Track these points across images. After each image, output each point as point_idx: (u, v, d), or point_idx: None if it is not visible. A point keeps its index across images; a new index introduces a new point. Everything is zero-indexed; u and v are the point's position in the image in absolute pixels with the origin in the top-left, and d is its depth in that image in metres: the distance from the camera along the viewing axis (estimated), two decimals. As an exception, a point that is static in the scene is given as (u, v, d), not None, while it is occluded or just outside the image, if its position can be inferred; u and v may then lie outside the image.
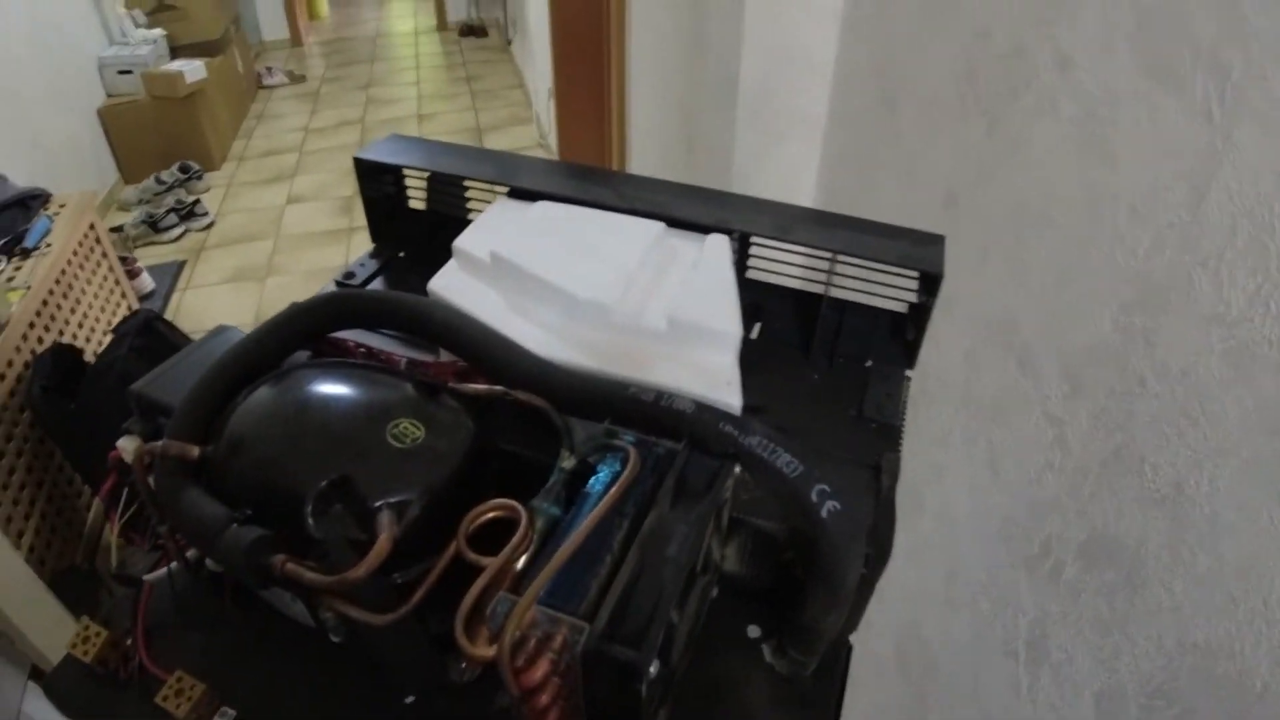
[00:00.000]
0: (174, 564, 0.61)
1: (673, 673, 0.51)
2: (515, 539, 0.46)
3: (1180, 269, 0.63)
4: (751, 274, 0.75)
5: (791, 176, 1.23)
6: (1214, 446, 0.61)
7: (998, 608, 0.91)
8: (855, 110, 1.12)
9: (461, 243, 0.67)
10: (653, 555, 0.44)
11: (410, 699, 0.56)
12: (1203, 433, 0.62)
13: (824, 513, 0.46)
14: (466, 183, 0.79)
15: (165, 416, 0.57)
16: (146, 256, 3.55)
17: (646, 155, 2.15)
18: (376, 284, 0.82)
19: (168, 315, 3.21)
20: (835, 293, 0.72)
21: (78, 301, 2.42)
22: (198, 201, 3.84)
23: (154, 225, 3.68)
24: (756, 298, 0.75)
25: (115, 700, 0.59)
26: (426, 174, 0.80)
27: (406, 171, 0.83)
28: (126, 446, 0.59)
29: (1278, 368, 0.56)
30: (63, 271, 2.34)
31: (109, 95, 4.24)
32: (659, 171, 1.90)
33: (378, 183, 0.84)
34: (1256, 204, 0.56)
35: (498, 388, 0.54)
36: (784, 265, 0.73)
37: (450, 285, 0.65)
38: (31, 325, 2.14)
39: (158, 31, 4.46)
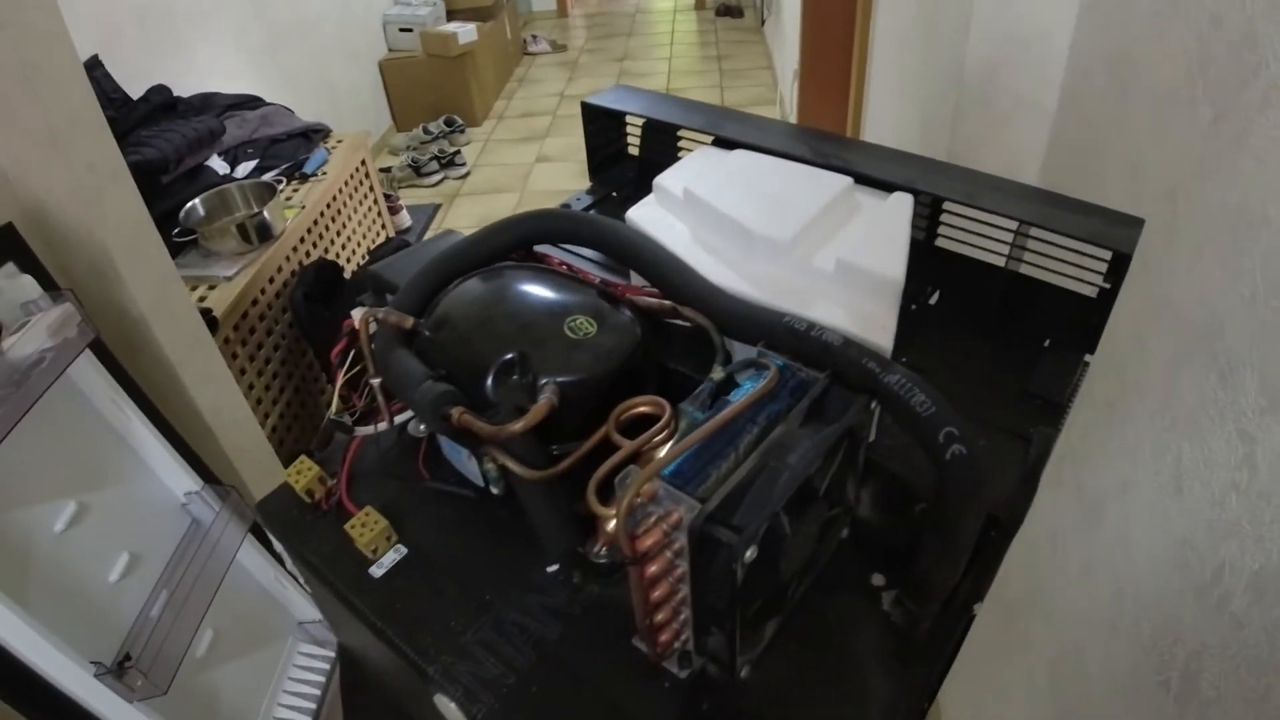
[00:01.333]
0: (382, 424, 0.71)
1: (781, 586, 0.54)
2: (657, 427, 0.51)
3: None
4: (941, 242, 0.76)
5: (1013, 163, 1.19)
6: None
7: (1159, 635, 0.86)
8: (1086, 98, 1.07)
9: (661, 179, 0.73)
10: (773, 461, 0.48)
11: (553, 568, 0.63)
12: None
13: (948, 455, 0.48)
14: (678, 131, 0.85)
15: (392, 294, 0.67)
16: (408, 196, 3.91)
17: (881, 138, 2.12)
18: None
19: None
20: (1021, 268, 0.72)
21: (344, 225, 2.72)
22: (458, 152, 4.18)
23: (417, 170, 4.05)
24: (940, 265, 0.76)
25: (313, 524, 0.70)
26: (643, 120, 0.86)
27: (627, 118, 0.90)
28: (357, 315, 0.69)
29: None
30: (334, 197, 2.64)
31: (390, 50, 4.68)
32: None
33: (600, 127, 0.91)
34: None
35: (668, 303, 0.60)
36: (973, 236, 0.73)
37: (645, 215, 0.71)
38: (301, 240, 2.43)
39: (440, -6, 4.86)
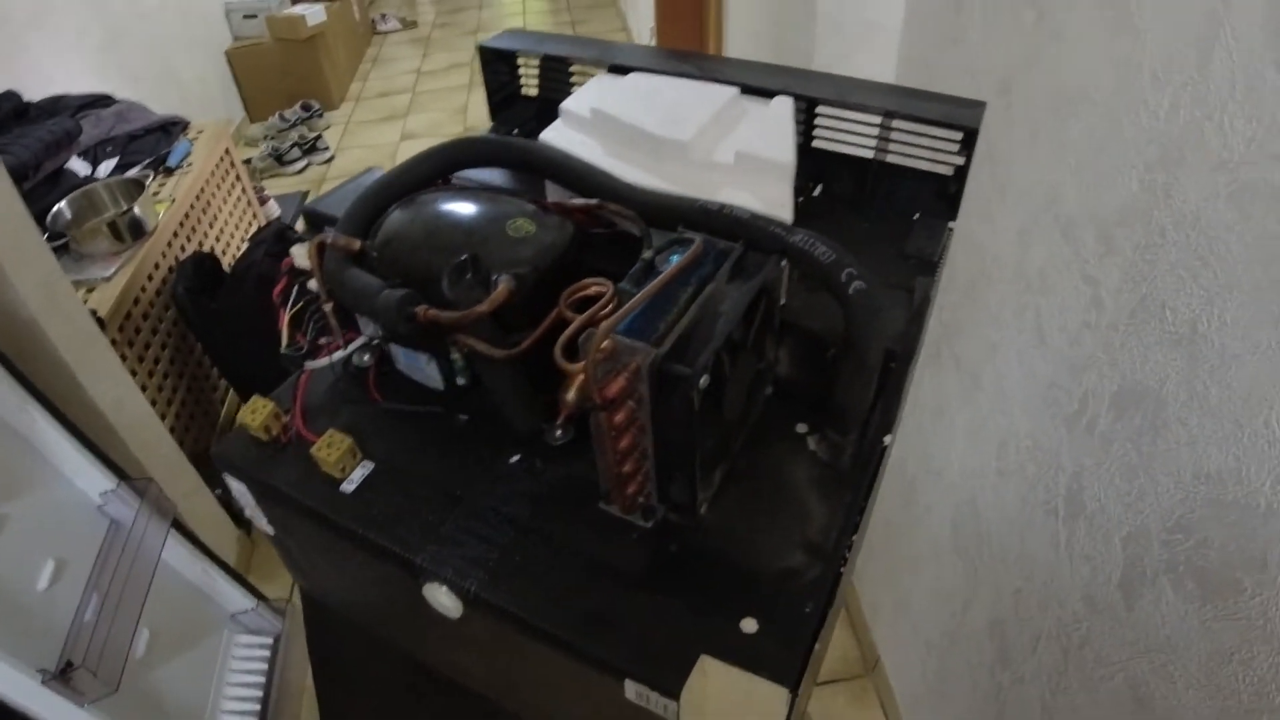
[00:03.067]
0: (337, 352, 0.76)
1: (725, 421, 0.63)
2: (605, 299, 0.58)
3: (1193, 124, 0.70)
4: (816, 143, 0.86)
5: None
6: (1222, 283, 0.69)
7: (1042, 469, 1.00)
8: (925, 16, 1.19)
9: (567, 104, 0.79)
10: (709, 311, 0.56)
11: (515, 458, 0.70)
12: (1213, 272, 0.70)
13: (850, 290, 0.57)
14: (572, 66, 0.92)
15: (330, 226, 0.72)
16: (272, 187, 3.81)
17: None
18: (492, 153, 0.95)
19: (291, 240, 3.46)
20: (888, 157, 0.82)
21: (215, 216, 2.66)
22: (319, 137, 4.10)
23: (279, 159, 3.95)
24: (819, 164, 0.85)
25: (274, 458, 0.74)
26: (539, 57, 0.92)
27: (521, 59, 0.96)
28: (298, 252, 0.73)
29: (1271, 204, 0.63)
30: (202, 189, 2.58)
31: (235, 38, 4.52)
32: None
33: (497, 69, 0.97)
34: (1250, 57, 0.63)
35: (593, 200, 0.67)
36: (843, 135, 0.83)
37: (557, 138, 0.77)
38: (175, 234, 2.38)
39: (282, -23, 4.71)
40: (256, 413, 0.75)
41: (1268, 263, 0.64)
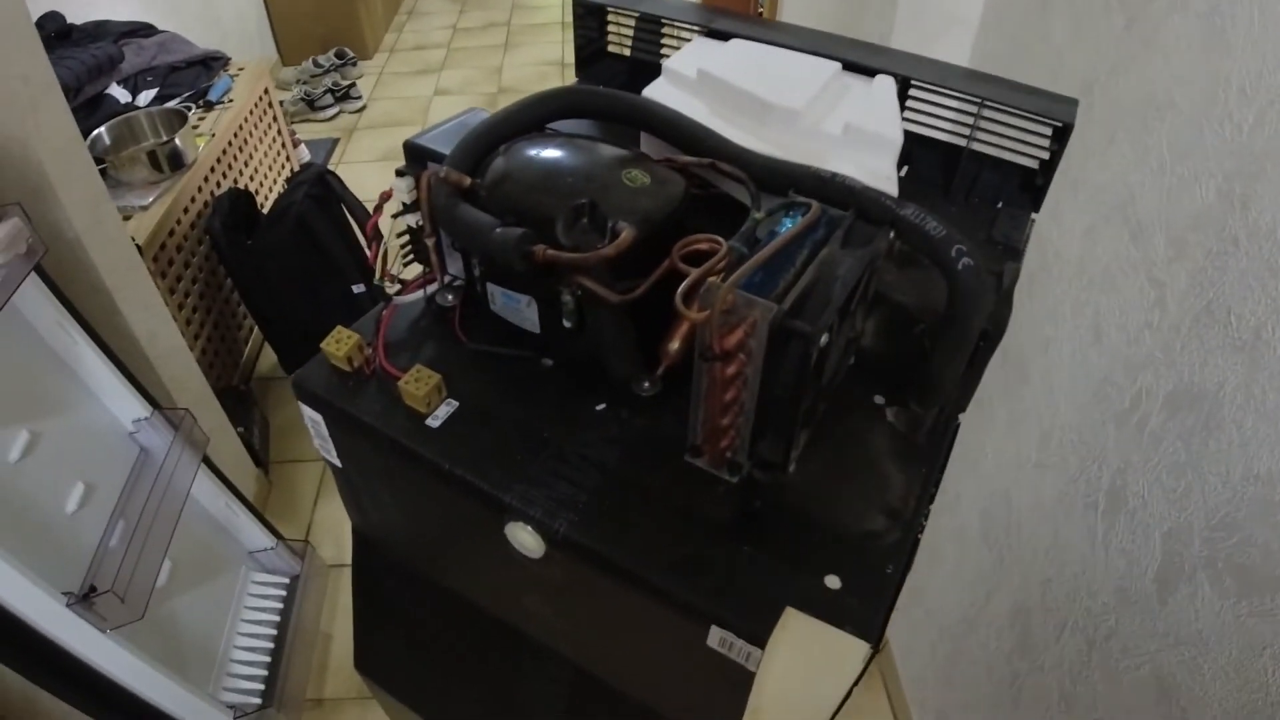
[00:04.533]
0: (433, 285, 0.77)
1: (818, 393, 0.65)
2: (720, 254, 0.60)
3: (1276, 140, 0.72)
4: (905, 125, 0.87)
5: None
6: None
7: (1084, 464, 1.02)
8: (1009, 12, 1.20)
9: (671, 63, 0.80)
10: (825, 273, 0.58)
11: (601, 406, 0.71)
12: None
13: (959, 265, 0.59)
14: (665, 26, 0.92)
15: (433, 161, 0.73)
16: (303, 132, 3.80)
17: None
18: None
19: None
20: (976, 145, 0.83)
21: (252, 155, 2.67)
22: (353, 85, 4.08)
23: (311, 104, 3.94)
24: (907, 145, 0.87)
25: (357, 388, 0.75)
26: (636, 15, 0.93)
27: (612, 16, 0.97)
28: (400, 184, 0.74)
29: None
30: (241, 125, 2.59)
31: (276, -22, 4.49)
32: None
33: (587, 24, 0.98)
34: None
35: (706, 159, 0.68)
36: (934, 119, 0.85)
37: (662, 95, 0.78)
38: (213, 169, 2.39)
39: (324, -79, 4.67)
40: (341, 343, 0.75)
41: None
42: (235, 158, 2.55)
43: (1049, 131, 0.79)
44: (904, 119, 0.86)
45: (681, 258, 0.62)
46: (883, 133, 0.69)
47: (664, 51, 0.95)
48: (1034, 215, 0.81)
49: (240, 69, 2.78)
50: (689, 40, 0.88)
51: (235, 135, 2.54)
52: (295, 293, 2.26)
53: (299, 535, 2.21)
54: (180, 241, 2.18)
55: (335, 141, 3.78)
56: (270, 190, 2.81)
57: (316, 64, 4.19)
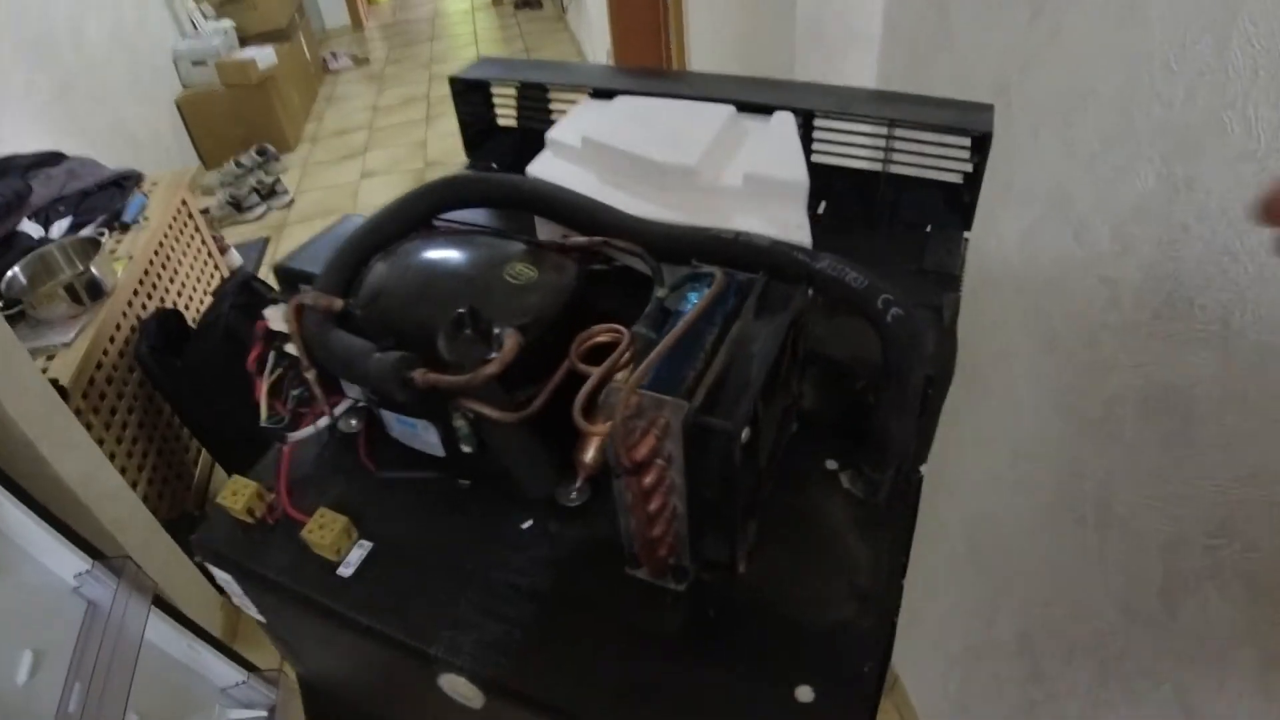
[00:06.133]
0: (323, 419, 0.70)
1: (759, 470, 0.58)
2: (621, 348, 0.53)
3: (1212, 114, 0.67)
4: (816, 157, 0.81)
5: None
6: (1254, 275, 0.65)
7: (1063, 478, 0.96)
8: (908, 21, 1.16)
9: (553, 133, 0.75)
10: (740, 352, 0.51)
11: (528, 524, 0.64)
12: (1243, 265, 0.66)
13: (889, 317, 0.52)
14: (551, 92, 0.87)
15: (306, 284, 0.66)
16: (232, 235, 3.72)
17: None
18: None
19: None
20: (894, 168, 0.78)
21: (176, 270, 2.58)
22: (277, 181, 4.02)
23: (237, 206, 3.87)
24: (821, 180, 0.81)
25: (262, 542, 0.67)
26: (516, 85, 0.87)
27: (495, 90, 0.91)
28: (273, 314, 0.67)
29: None
30: (160, 243, 2.51)
31: (185, 86, 4.44)
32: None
33: (470, 101, 0.92)
34: (1272, 42, 0.60)
35: (598, 237, 0.62)
36: (846, 147, 0.79)
37: (546, 170, 0.73)
38: (135, 292, 2.30)
39: (227, 22, 4.65)
40: (238, 494, 0.68)
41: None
42: (159, 276, 2.46)
43: (967, 143, 0.74)
44: (814, 151, 0.81)
45: (581, 354, 0.55)
46: (785, 177, 0.63)
47: (553, 117, 0.89)
48: (966, 234, 0.75)
49: (154, 184, 2.71)
50: (577, 103, 0.82)
51: (156, 254, 2.46)
52: (234, 407, 2.16)
53: (274, 662, 2.09)
54: (110, 373, 2.09)
55: (266, 241, 3.71)
56: (200, 304, 2.73)
57: (239, 164, 4.13)
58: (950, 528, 1.31)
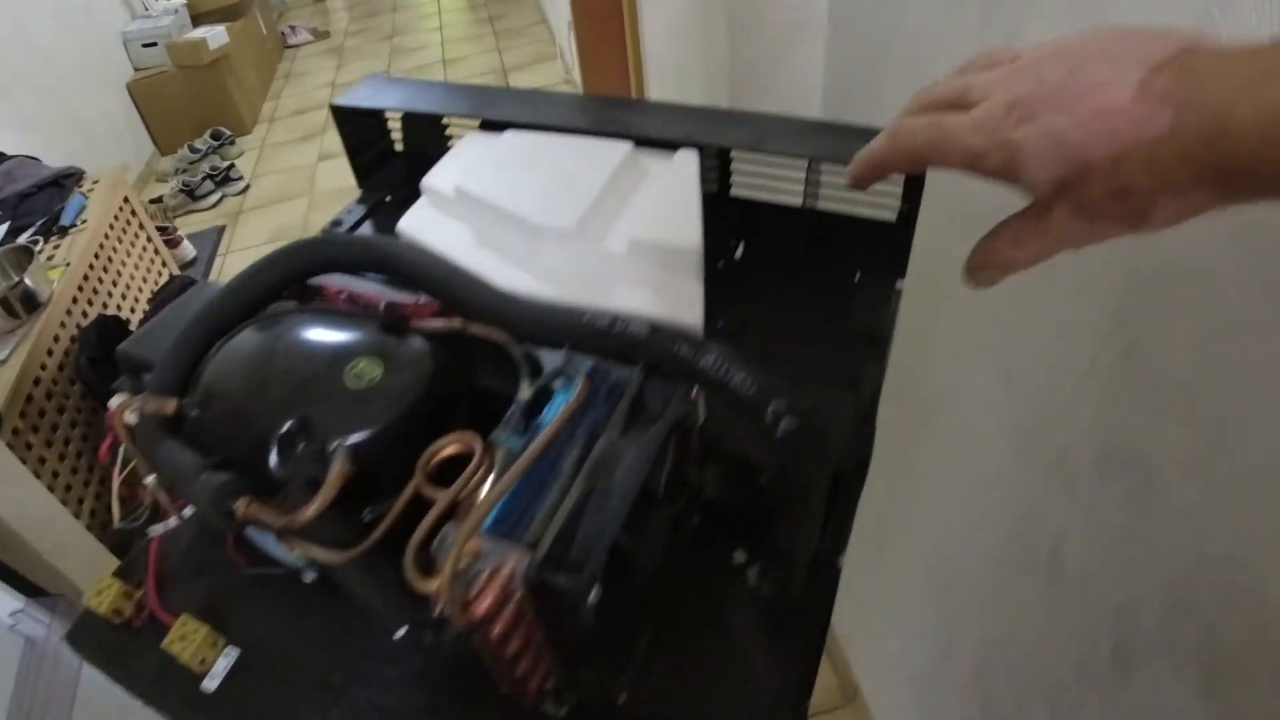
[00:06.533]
0: (177, 517, 0.62)
1: (640, 600, 0.51)
2: (468, 471, 0.46)
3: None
4: (736, 190, 0.73)
5: (799, 89, 1.19)
6: (1223, 339, 0.58)
7: (1018, 523, 0.89)
8: (858, 12, 1.07)
9: (429, 180, 0.66)
10: (600, 482, 0.43)
11: (400, 633, 0.57)
12: (1209, 327, 0.58)
13: (779, 432, 0.45)
14: (443, 119, 0.78)
15: (149, 373, 0.58)
16: (187, 225, 3.61)
17: (666, 83, 2.09)
18: (364, 229, 0.81)
19: (212, 280, 3.28)
20: (819, 204, 0.70)
21: (118, 274, 2.48)
22: (231, 166, 3.89)
23: (191, 194, 3.74)
24: (741, 216, 0.73)
25: (130, 645, 0.60)
26: (400, 115, 0.79)
27: (388, 112, 0.82)
28: (114, 406, 0.59)
29: None
30: (100, 246, 2.40)
31: (136, 69, 4.29)
32: (676, 97, 1.85)
33: (357, 128, 0.83)
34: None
35: (455, 322, 0.54)
36: (767, 180, 0.71)
37: (418, 222, 0.64)
38: (74, 300, 2.20)
39: (178, 1, 4.47)
40: (103, 595, 0.61)
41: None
42: (99, 281, 2.36)
43: (900, 178, 0.66)
44: (733, 184, 0.72)
45: (429, 471, 0.47)
46: (677, 244, 0.55)
47: (451, 142, 0.81)
48: (899, 284, 0.67)
49: (95, 182, 2.59)
50: (465, 136, 0.74)
51: (95, 258, 2.35)
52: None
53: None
54: (50, 388, 1.99)
55: (221, 230, 3.58)
56: (146, 308, 2.62)
57: (193, 149, 4.00)
58: (905, 551, 1.25)
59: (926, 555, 1.17)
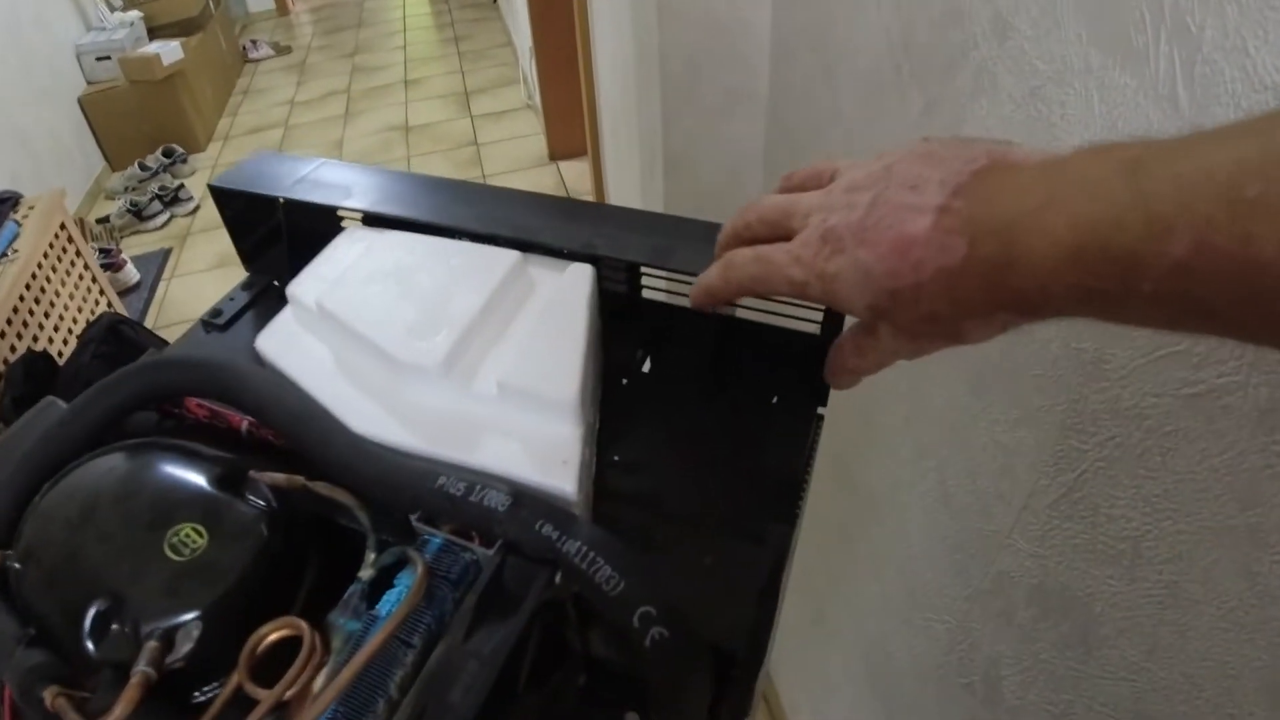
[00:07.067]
0: None
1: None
2: (296, 665, 0.39)
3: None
4: (647, 293, 0.67)
5: (736, 157, 1.13)
6: (1177, 506, 0.52)
7: (955, 637, 0.83)
8: (795, 85, 1.02)
9: (294, 287, 0.59)
10: (432, 703, 0.37)
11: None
12: (1164, 489, 0.53)
13: (647, 641, 0.39)
14: (329, 211, 0.71)
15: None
16: (133, 246, 3.50)
17: (614, 117, 2.04)
18: (245, 320, 0.74)
19: (154, 306, 3.17)
20: (738, 311, 0.64)
21: (51, 305, 2.38)
22: (181, 186, 3.78)
23: (139, 214, 3.62)
24: (652, 322, 0.67)
25: None
26: (280, 201, 0.72)
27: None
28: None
29: (1254, 421, 0.46)
30: (33, 276, 2.30)
31: (89, 83, 4.17)
32: (623, 139, 1.78)
33: (240, 210, 0.76)
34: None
35: (297, 478, 0.47)
36: (684, 284, 0.64)
37: (279, 341, 0.57)
38: (3, 334, 2.10)
39: (134, 14, 4.37)
40: None
41: (1244, 494, 0.48)
42: (30, 314, 2.26)
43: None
44: (645, 286, 0.66)
45: (252, 663, 0.41)
46: (551, 392, 0.49)
47: (346, 223, 0.74)
48: (821, 410, 0.61)
49: (31, 207, 2.48)
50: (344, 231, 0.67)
51: (26, 289, 2.25)
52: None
53: None
54: (-34, 427, 1.89)
55: (167, 253, 3.47)
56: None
57: (143, 167, 3.88)
58: (844, 639, 1.19)
59: (866, 648, 1.12)
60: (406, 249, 0.60)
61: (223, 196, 0.73)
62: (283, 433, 0.50)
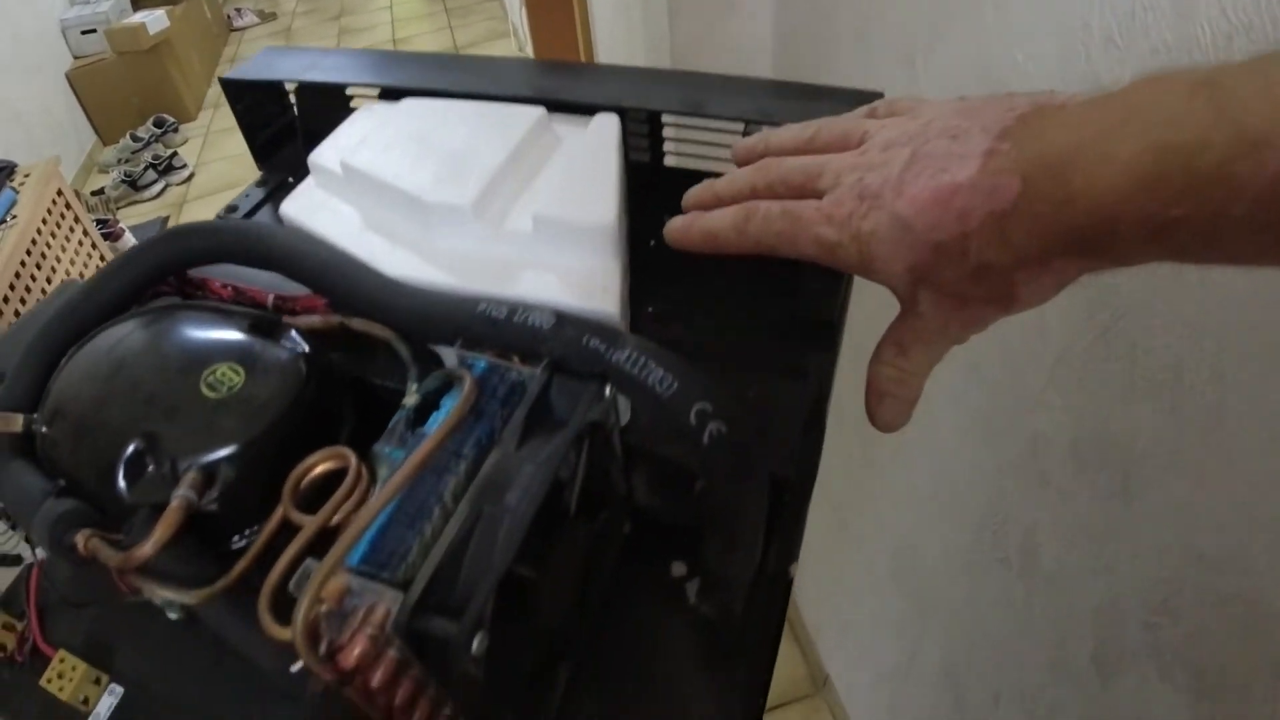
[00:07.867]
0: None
1: (554, 634, 0.44)
2: (340, 492, 0.39)
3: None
4: (671, 159, 0.66)
5: (743, 57, 1.11)
6: (1217, 320, 0.51)
7: (986, 514, 0.83)
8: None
9: (317, 156, 0.58)
10: (488, 505, 0.36)
11: (297, 666, 0.50)
12: (1204, 308, 0.52)
13: (705, 437, 0.38)
14: (346, 91, 0.70)
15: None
16: (131, 216, 3.47)
17: (614, 54, 2.01)
18: (262, 214, 0.74)
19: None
20: (763, 177, 0.63)
21: (52, 270, 2.37)
22: (175, 154, 3.75)
23: (134, 184, 3.60)
24: (675, 187, 0.66)
25: (12, 682, 0.52)
26: (294, 86, 0.71)
27: (287, 86, 0.74)
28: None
29: None
30: (32, 242, 2.28)
31: (76, 57, 4.12)
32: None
33: (252, 104, 0.75)
34: (1252, 13, 0.45)
35: (335, 318, 0.46)
36: (704, 146, 0.64)
37: (304, 205, 0.57)
38: (5, 300, 2.09)
39: (118, -16, 4.31)
40: None
41: None
42: (32, 279, 2.24)
43: (848, 143, 0.58)
44: (667, 153, 0.65)
45: (297, 496, 0.40)
46: (589, 220, 0.48)
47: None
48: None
49: (27, 175, 2.47)
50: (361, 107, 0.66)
51: (28, 255, 2.24)
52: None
53: None
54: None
55: (164, 220, 3.45)
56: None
57: (135, 138, 3.85)
58: (870, 543, 1.19)
59: (892, 548, 1.12)
60: (427, 112, 0.59)
61: (233, 89, 0.72)
62: (311, 281, 0.49)
